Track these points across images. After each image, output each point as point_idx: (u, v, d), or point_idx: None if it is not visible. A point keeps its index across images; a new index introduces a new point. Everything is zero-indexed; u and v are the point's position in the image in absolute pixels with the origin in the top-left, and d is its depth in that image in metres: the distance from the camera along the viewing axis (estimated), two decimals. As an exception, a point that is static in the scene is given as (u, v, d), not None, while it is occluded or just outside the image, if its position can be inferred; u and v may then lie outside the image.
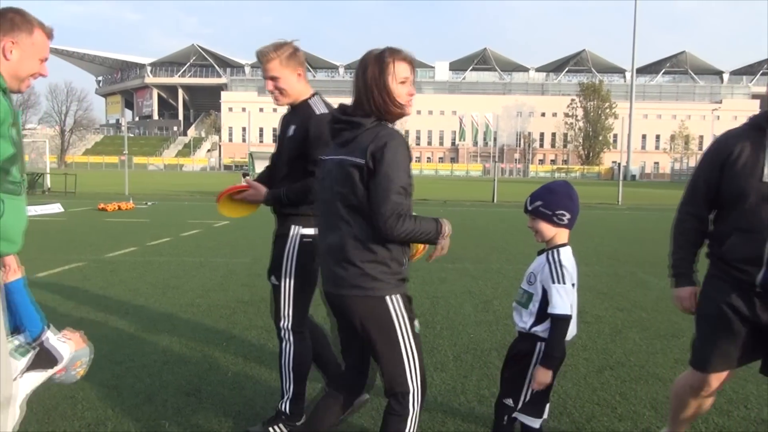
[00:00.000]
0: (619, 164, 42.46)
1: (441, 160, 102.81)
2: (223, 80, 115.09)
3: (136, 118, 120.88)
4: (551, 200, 2.37)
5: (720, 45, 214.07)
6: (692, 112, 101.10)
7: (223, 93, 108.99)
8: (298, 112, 2.94)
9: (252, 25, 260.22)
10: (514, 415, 2.40)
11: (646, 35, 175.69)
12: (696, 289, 2.56)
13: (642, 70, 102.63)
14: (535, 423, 2.39)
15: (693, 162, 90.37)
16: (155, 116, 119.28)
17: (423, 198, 25.74)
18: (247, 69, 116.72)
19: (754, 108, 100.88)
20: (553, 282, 2.28)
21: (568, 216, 2.36)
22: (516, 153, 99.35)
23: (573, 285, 2.31)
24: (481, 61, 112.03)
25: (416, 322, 2.25)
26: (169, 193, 26.26)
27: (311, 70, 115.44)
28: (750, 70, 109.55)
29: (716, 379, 2.47)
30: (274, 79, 2.84)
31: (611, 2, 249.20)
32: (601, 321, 5.43)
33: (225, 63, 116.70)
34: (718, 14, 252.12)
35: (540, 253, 2.43)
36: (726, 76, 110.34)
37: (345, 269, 2.15)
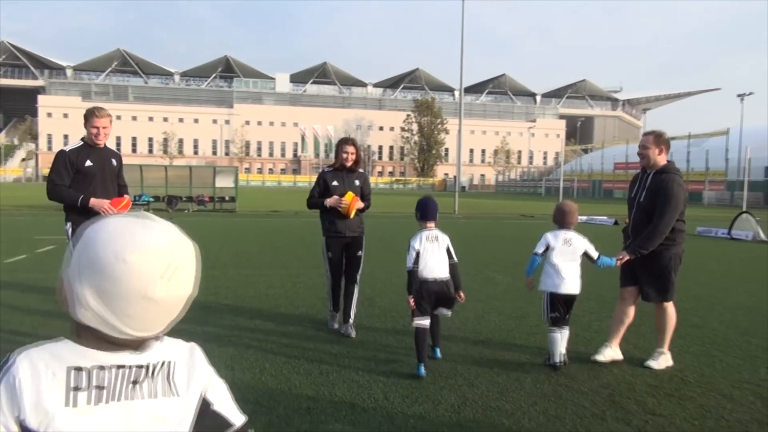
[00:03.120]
0: (455, 177, 46.12)
1: (283, 171, 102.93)
2: (40, 82, 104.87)
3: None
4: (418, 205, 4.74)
5: (533, 70, 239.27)
6: (512, 129, 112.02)
7: (40, 97, 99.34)
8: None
9: (73, 24, 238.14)
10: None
11: (471, 58, 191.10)
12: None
13: (468, 90, 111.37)
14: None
15: (514, 174, 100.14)
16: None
17: (274, 210, 26.21)
18: (69, 71, 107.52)
19: (561, 127, 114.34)
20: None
21: (419, 214, 4.73)
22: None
23: (416, 251, 4.43)
24: (321, 74, 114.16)
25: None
26: (-7, 207, 23.81)
27: (143, 75, 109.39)
28: (558, 93, 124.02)
29: (627, 293, 4.86)
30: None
31: (440, 25, 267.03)
32: (466, 309, 6.57)
33: (42, 64, 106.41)
34: (532, 42, 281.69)
35: None
36: (538, 98, 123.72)
37: None
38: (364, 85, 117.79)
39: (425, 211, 4.63)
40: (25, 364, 0.92)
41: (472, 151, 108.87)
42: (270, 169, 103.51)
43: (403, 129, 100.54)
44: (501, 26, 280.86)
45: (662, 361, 4.66)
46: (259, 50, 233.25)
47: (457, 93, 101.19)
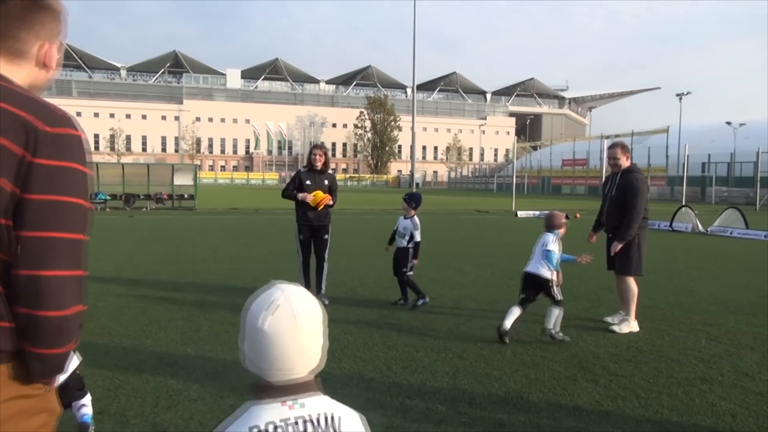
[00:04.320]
0: (409, 173, 46.94)
1: (235, 168, 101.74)
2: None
3: None
4: (409, 196, 6.76)
5: (483, 68, 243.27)
6: (463, 126, 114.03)
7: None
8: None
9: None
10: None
11: (422, 55, 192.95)
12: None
13: (420, 87, 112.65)
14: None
15: (466, 171, 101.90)
16: None
17: (233, 207, 26.32)
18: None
19: (511, 124, 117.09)
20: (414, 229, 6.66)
21: (414, 204, 6.73)
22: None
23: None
24: (273, 70, 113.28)
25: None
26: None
27: (87, 70, 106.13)
28: (507, 92, 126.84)
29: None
30: None
31: (392, 23, 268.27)
32: (443, 297, 7.20)
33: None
34: (481, 41, 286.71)
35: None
36: (489, 96, 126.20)
37: None
38: (316, 81, 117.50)
39: (419, 202, 6.82)
40: None
41: (424, 148, 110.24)
42: (222, 167, 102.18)
43: (356, 126, 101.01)
44: (451, 25, 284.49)
45: (624, 326, 5.61)
46: (209, 45, 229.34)
47: (409, 90, 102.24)
